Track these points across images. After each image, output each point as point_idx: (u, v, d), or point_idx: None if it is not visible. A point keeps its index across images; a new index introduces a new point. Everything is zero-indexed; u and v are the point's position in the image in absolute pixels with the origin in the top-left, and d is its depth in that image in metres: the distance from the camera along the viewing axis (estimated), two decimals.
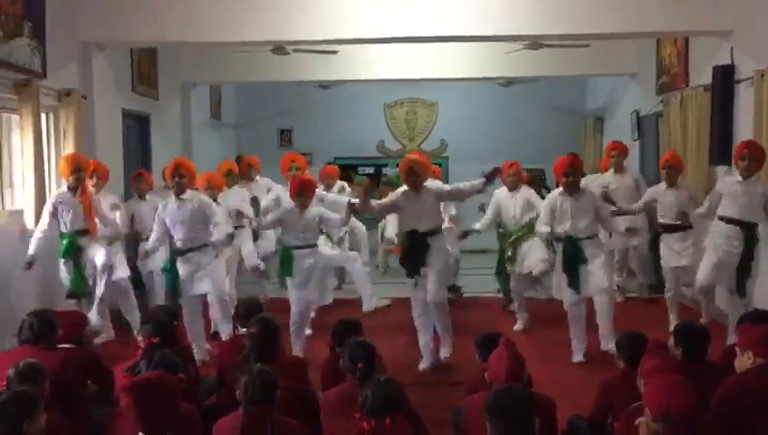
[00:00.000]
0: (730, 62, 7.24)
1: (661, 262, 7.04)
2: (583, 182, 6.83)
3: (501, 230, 7.38)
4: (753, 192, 5.88)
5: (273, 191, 7.69)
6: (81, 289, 6.24)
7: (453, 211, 7.61)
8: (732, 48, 7.23)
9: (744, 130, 6.96)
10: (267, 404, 3.31)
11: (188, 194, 6.07)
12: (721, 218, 6.02)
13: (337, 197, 7.38)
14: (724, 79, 7.25)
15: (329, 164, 10.15)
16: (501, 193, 7.32)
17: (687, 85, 8.39)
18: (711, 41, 7.60)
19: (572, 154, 10.98)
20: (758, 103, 6.59)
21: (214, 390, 4.60)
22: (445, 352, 6.11)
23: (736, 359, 3.53)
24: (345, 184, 8.81)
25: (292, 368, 4.16)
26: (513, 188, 7.21)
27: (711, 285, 6.29)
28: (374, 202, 6.19)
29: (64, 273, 6.27)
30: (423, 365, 6.04)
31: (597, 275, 5.98)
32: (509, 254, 7.14)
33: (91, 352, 4.65)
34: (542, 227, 6.19)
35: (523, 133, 12.62)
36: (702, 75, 7.84)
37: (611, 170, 7.96)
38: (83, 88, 7.26)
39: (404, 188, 5.99)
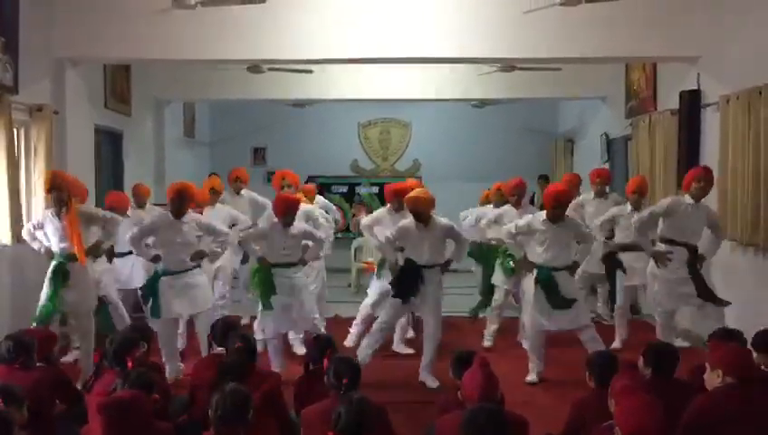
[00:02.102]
0: (696, 88, 7.42)
1: (617, 278, 7.21)
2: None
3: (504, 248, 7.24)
4: (701, 214, 6.07)
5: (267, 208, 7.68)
6: (48, 319, 5.75)
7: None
8: (698, 74, 7.41)
9: (710, 153, 7.12)
10: (238, 423, 3.30)
11: (188, 217, 6.04)
12: (670, 242, 6.12)
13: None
14: (691, 104, 7.42)
15: (306, 183, 10.00)
16: (509, 210, 7.23)
17: (655, 109, 8.56)
18: (678, 66, 7.78)
19: (544, 176, 11.25)
20: (724, 128, 6.75)
21: (185, 408, 4.56)
22: (433, 383, 6.07)
23: (706, 374, 3.59)
24: (329, 204, 8.58)
25: (265, 378, 4.18)
26: (517, 205, 7.16)
27: (673, 310, 6.29)
28: (392, 248, 6.27)
29: (43, 294, 5.83)
30: (349, 342, 6.39)
31: (575, 311, 6.01)
32: (509, 266, 7.09)
33: (60, 372, 4.60)
34: (509, 241, 6.24)
35: (496, 154, 12.74)
36: (669, 100, 8.00)
37: (592, 194, 7.97)
38: (56, 103, 7.19)
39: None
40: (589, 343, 6.03)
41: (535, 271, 6.03)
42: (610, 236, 7.29)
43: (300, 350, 6.87)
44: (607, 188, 8.01)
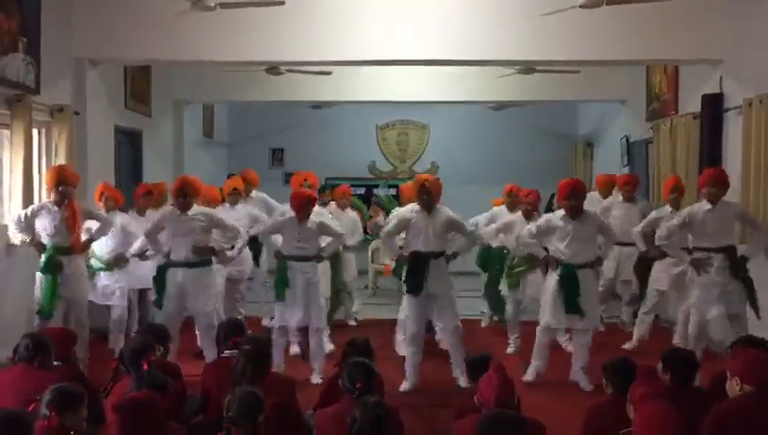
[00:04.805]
0: (719, 91, 7.33)
1: (650, 281, 7.12)
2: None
3: (507, 253, 7.27)
4: (725, 215, 5.84)
5: (277, 211, 7.69)
6: (50, 312, 5.90)
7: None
8: (721, 77, 7.32)
9: (732, 157, 7.04)
10: (248, 424, 3.30)
11: (194, 210, 6.06)
12: (705, 250, 5.92)
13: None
14: (713, 107, 7.33)
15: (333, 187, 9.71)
16: (516, 217, 7.19)
17: (677, 112, 8.47)
18: (700, 69, 7.69)
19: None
20: (747, 131, 6.67)
21: (199, 409, 4.57)
22: (464, 382, 5.92)
23: (727, 382, 3.54)
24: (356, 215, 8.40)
25: (280, 387, 4.17)
26: (528, 216, 7.07)
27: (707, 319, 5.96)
28: (395, 240, 6.27)
29: (38, 289, 5.95)
30: (406, 386, 6.02)
31: (586, 312, 5.94)
32: (513, 279, 7.07)
33: (78, 371, 4.63)
34: (530, 241, 6.15)
35: (514, 157, 12.68)
36: (691, 103, 7.92)
37: (620, 198, 7.85)
38: (76, 104, 7.25)
39: (413, 207, 6.09)
40: (578, 348, 6.01)
41: (559, 269, 5.95)
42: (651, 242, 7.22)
43: (294, 349, 6.84)
44: (636, 195, 7.93)
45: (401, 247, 6.26)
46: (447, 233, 6.13)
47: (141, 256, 6.83)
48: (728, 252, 5.83)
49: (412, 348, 6.12)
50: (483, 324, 8.22)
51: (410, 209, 6.17)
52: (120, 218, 6.79)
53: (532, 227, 6.20)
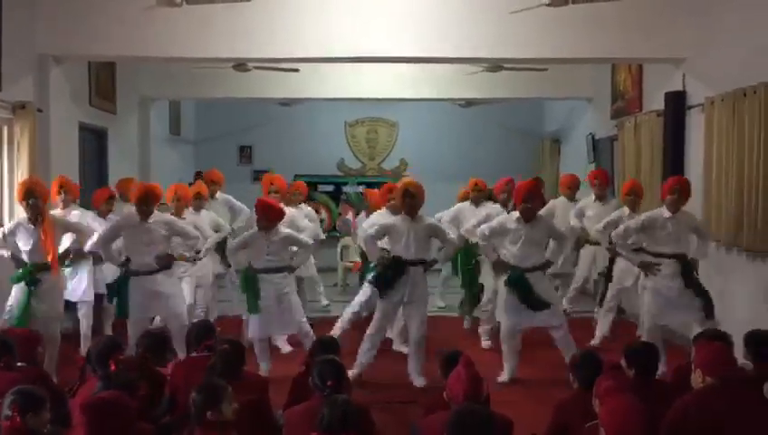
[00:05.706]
0: (682, 89, 7.46)
1: (612, 279, 7.19)
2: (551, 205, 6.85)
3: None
4: (681, 225, 5.95)
5: (243, 214, 7.68)
6: (25, 322, 5.69)
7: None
8: (684, 75, 7.45)
9: (695, 155, 7.17)
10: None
11: (154, 217, 5.93)
12: (657, 255, 6.01)
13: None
14: (676, 105, 7.46)
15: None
16: (492, 209, 7.22)
17: (641, 110, 8.60)
18: (664, 67, 7.81)
19: (536, 178, 11.22)
20: (708, 129, 6.79)
21: (167, 409, 4.53)
22: (421, 382, 6.02)
23: (691, 375, 3.62)
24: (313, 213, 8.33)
25: (253, 386, 4.18)
26: (505, 205, 7.16)
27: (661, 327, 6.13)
28: (377, 245, 6.21)
29: (13, 299, 5.78)
30: (355, 371, 5.95)
31: (549, 311, 6.00)
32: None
33: (43, 372, 4.57)
34: (483, 243, 6.21)
35: (482, 154, 12.75)
36: (655, 101, 8.04)
37: (592, 197, 7.86)
38: (39, 101, 7.12)
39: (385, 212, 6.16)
40: (561, 342, 6.08)
41: (508, 273, 6.01)
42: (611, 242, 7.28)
43: (285, 348, 6.87)
44: (608, 192, 7.98)
45: (384, 250, 6.25)
46: (429, 240, 6.15)
47: (96, 257, 6.68)
48: (680, 259, 5.92)
49: (368, 344, 6.13)
50: (465, 326, 8.08)
51: (386, 215, 6.17)
52: (77, 214, 6.62)
53: (484, 228, 6.21)
